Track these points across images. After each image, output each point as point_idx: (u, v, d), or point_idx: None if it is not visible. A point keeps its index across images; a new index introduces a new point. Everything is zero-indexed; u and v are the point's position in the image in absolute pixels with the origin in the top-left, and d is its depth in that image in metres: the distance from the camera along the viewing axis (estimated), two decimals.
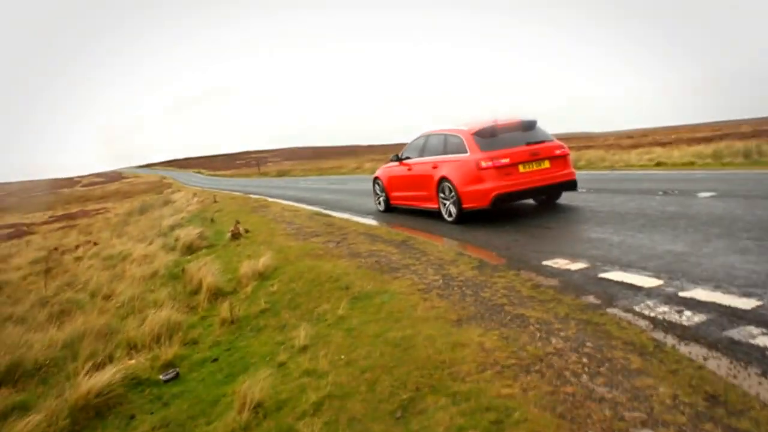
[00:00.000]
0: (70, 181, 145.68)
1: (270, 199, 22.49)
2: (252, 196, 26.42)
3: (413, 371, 4.24)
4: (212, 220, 17.95)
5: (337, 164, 60.90)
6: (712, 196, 9.76)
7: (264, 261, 8.57)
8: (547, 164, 10.04)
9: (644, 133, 52.19)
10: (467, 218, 10.25)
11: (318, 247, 9.50)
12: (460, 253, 7.93)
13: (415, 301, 5.81)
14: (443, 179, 10.60)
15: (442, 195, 10.73)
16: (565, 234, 8.51)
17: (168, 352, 6.24)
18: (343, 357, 4.77)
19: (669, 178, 13.53)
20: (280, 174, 63.27)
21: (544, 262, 6.93)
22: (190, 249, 13.23)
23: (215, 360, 5.91)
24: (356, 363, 4.60)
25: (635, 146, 27.73)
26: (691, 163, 17.56)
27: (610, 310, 5.10)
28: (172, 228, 18.31)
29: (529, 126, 10.55)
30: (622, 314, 4.99)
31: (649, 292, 5.42)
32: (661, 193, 10.80)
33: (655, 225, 8.09)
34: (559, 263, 6.81)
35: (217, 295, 8.14)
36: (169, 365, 6.06)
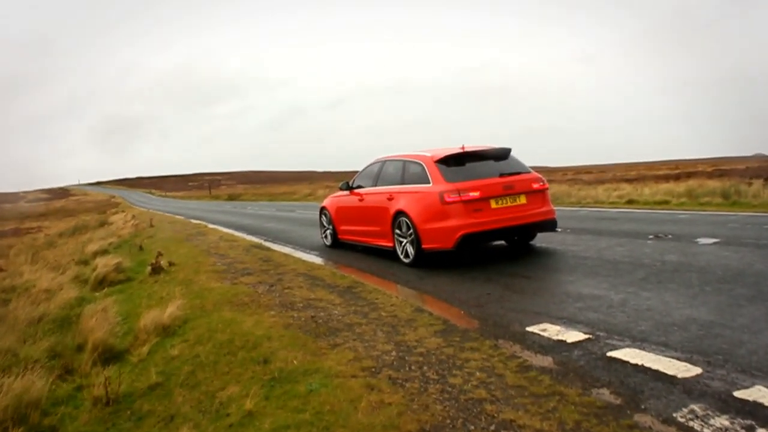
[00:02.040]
0: (15, 196, 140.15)
1: (210, 226, 20.57)
2: (193, 221, 24.44)
3: None
4: (141, 248, 15.93)
5: (289, 190, 58.99)
6: (715, 243, 8.27)
7: (172, 310, 6.73)
8: (523, 199, 8.47)
9: (602, 169, 51.66)
10: (427, 260, 8.59)
11: (245, 291, 7.72)
12: (419, 309, 6.25)
13: (357, 392, 4.07)
14: (400, 213, 8.94)
15: (398, 232, 9.06)
16: (549, 287, 6.91)
17: None
18: None
19: (650, 218, 12.12)
20: (231, 198, 61.21)
21: (529, 328, 5.29)
22: (103, 283, 11.25)
23: None
24: None
25: (599, 182, 26.57)
26: (666, 202, 16.29)
27: (640, 419, 3.45)
28: (95, 255, 16.24)
29: (503, 154, 9.00)
30: (662, 428, 3.34)
31: (689, 388, 3.79)
32: (651, 236, 9.31)
33: (659, 279, 6.53)
34: (549, 331, 5.17)
35: (107, 354, 6.28)
36: None
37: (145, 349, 6.03)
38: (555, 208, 9.06)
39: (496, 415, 3.63)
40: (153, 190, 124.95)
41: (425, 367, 4.52)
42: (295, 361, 4.75)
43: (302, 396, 4.09)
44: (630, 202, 17.32)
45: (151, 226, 22.02)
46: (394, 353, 4.89)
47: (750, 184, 17.32)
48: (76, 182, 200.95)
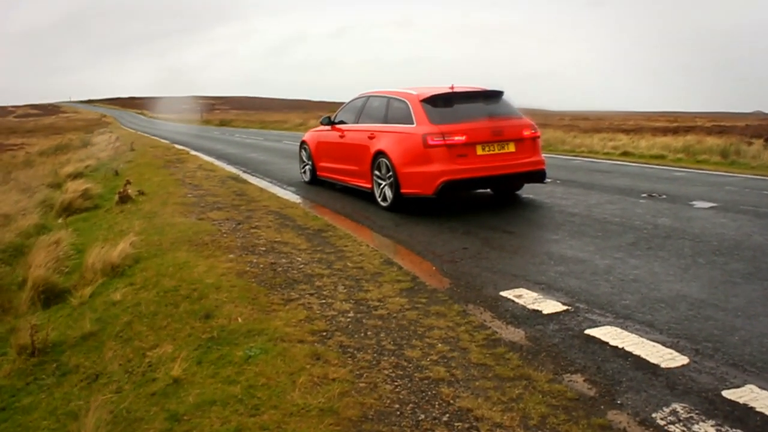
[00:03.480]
0: (3, 111, 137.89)
1: (192, 153, 19.93)
2: (177, 146, 23.74)
3: None
4: (117, 173, 15.35)
5: (282, 118, 57.90)
6: (712, 208, 7.77)
7: (123, 248, 6.23)
8: (512, 147, 7.95)
9: (600, 116, 50.79)
10: (405, 206, 8.10)
11: (208, 229, 7.22)
12: (388, 261, 5.79)
13: (300, 362, 3.61)
14: (380, 153, 8.40)
15: (377, 173, 8.53)
16: (531, 246, 6.44)
17: None
18: None
19: (645, 174, 11.60)
20: (222, 123, 60.15)
21: (504, 293, 4.86)
22: (68, 210, 10.74)
23: None
24: None
25: (596, 130, 25.88)
26: (662, 157, 15.71)
27: (615, 418, 3.02)
28: (69, 178, 15.66)
29: (494, 97, 8.43)
30: (637, 430, 2.91)
31: (673, 381, 3.35)
32: (645, 195, 8.80)
33: (650, 246, 6.06)
34: (525, 298, 4.73)
35: (49, 293, 5.80)
36: None
37: (88, 290, 5.55)
38: (547, 155, 8.58)
39: (452, 401, 3.19)
40: (145, 111, 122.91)
41: (382, 334, 4.06)
42: (239, 318, 4.28)
43: (238, 363, 3.62)
44: (625, 154, 16.73)
45: (132, 149, 21.34)
46: (351, 314, 4.44)
47: (750, 143, 16.73)
48: (68, 99, 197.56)
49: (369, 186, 8.83)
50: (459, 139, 7.66)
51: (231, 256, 6.01)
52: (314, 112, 67.09)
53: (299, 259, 5.93)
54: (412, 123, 8.05)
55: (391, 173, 8.15)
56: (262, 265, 5.66)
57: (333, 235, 6.97)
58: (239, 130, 42.51)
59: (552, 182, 9.87)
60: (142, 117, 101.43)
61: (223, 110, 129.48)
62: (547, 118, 37.15)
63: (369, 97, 9.66)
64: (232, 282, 5.10)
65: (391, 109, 8.71)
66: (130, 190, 10.34)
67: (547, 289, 4.92)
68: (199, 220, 7.90)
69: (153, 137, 33.18)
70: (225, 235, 6.90)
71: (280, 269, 5.54)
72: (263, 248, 6.33)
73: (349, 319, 4.34)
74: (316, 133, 11.10)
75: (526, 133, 8.10)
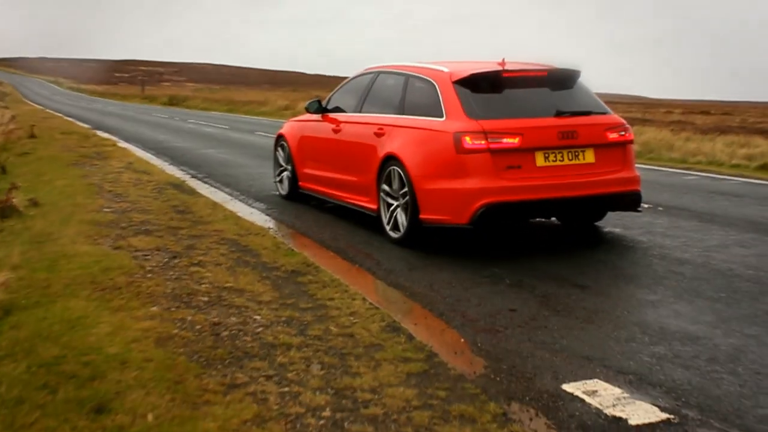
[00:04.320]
0: None
1: (122, 144, 20.32)
2: (100, 133, 24.04)
3: None
4: (4, 170, 15.35)
5: (259, 98, 58.75)
6: None
7: None
8: (590, 156, 7.89)
9: (727, 108, 50.65)
10: (426, 238, 8.09)
11: (126, 264, 7.14)
12: (392, 326, 5.65)
13: None
14: (391, 158, 8.36)
15: (386, 188, 8.46)
16: (614, 310, 6.28)
17: None
18: None
19: None
20: (172, 102, 61.02)
21: (568, 387, 4.65)
22: None
23: None
24: None
25: (719, 130, 25.71)
26: None
27: None
28: None
29: (565, 80, 8.37)
30: None
31: None
32: None
33: None
34: (602, 397, 4.49)
35: None
36: None
37: None
38: (644, 167, 8.44)
39: None
40: (60, 79, 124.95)
41: None
42: (149, 416, 4.04)
43: None
44: (764, 167, 16.59)
45: (32, 136, 21.47)
46: (327, 413, 4.19)
47: None
48: None
49: (374, 207, 8.81)
50: (510, 141, 7.59)
51: (153, 309, 5.93)
52: (307, 91, 67.75)
53: (257, 318, 5.84)
54: (441, 115, 8.00)
55: (406, 189, 8.08)
56: (198, 327, 5.56)
57: (314, 280, 6.93)
58: (195, 114, 43.23)
59: (651, 209, 9.84)
60: (56, 87, 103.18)
61: (175, 82, 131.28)
62: (646, 109, 37.17)
63: (379, 73, 9.68)
64: (147, 353, 4.92)
65: (410, 93, 8.70)
66: (16, 199, 10.30)
67: (636, 383, 4.69)
68: (114, 249, 7.95)
69: (68, 118, 33.69)
70: (150, 275, 6.91)
71: (225, 334, 5.41)
72: (205, 298, 6.30)
73: (322, 422, 4.10)
74: (299, 125, 11.12)
75: (612, 135, 8.04)
